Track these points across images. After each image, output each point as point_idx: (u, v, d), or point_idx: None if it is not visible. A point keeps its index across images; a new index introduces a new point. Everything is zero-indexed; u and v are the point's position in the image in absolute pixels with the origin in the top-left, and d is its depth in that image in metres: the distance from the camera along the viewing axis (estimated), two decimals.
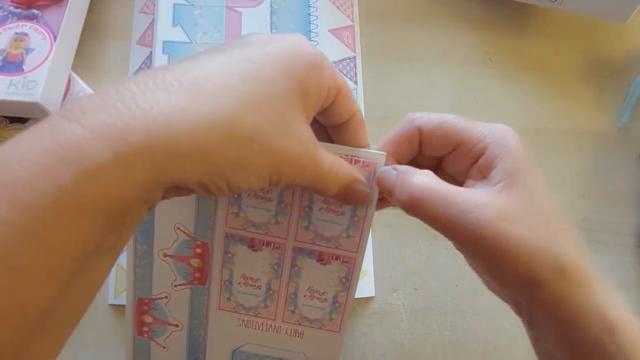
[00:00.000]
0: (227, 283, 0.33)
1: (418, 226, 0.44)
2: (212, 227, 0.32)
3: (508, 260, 0.25)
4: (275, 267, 0.32)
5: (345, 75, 0.47)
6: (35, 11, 0.43)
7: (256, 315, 0.34)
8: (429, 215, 0.26)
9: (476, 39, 0.50)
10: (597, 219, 0.45)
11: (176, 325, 0.35)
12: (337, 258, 0.32)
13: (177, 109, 0.21)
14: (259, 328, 0.34)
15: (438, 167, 0.31)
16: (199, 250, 0.33)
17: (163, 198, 0.23)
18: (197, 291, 0.34)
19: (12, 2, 0.44)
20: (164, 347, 0.36)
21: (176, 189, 0.23)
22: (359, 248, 0.31)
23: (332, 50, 0.47)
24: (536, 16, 0.52)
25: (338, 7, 0.49)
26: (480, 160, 0.28)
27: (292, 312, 0.33)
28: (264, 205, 0.31)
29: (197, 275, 0.34)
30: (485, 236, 0.25)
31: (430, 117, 0.30)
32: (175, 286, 0.34)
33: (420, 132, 0.30)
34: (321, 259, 0.32)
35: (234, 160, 0.22)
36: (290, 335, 0.34)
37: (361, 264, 0.32)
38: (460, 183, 0.29)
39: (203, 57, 0.24)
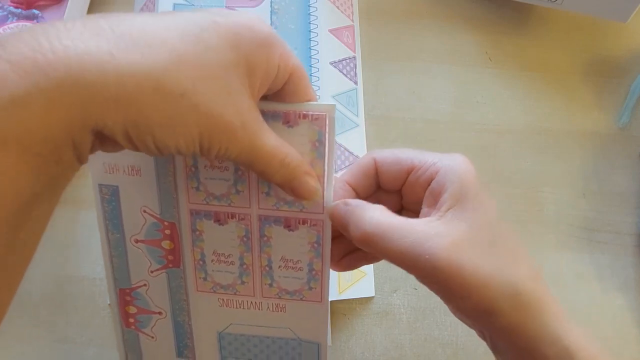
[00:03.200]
0: (200, 262, 0.33)
1: None
2: (176, 205, 0.32)
3: (462, 290, 0.25)
4: (244, 239, 0.32)
5: (345, 75, 0.47)
6: (35, 11, 0.43)
7: (235, 294, 0.33)
8: (383, 250, 0.26)
9: (476, 39, 0.50)
10: (597, 219, 0.45)
11: (160, 313, 0.35)
12: (304, 222, 0.31)
13: (104, 52, 0.20)
14: (240, 307, 0.34)
15: (403, 206, 0.31)
16: (167, 232, 0.33)
17: (92, 150, 0.22)
18: (173, 274, 0.34)
19: (12, 2, 0.44)
20: (152, 337, 0.36)
21: (103, 140, 0.22)
22: (325, 209, 0.30)
23: (332, 50, 0.47)
24: (536, 16, 0.52)
25: (338, 7, 0.49)
26: (432, 185, 0.28)
27: (270, 285, 0.33)
28: (221, 175, 0.30)
29: (170, 257, 0.33)
30: (438, 267, 0.25)
31: (384, 149, 0.30)
32: (152, 272, 0.34)
33: (375, 162, 0.30)
34: (288, 224, 0.31)
35: (161, 115, 0.22)
36: (273, 311, 0.34)
37: (330, 226, 0.31)
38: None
39: (147, 14, 0.23)
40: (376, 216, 0.27)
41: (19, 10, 0.43)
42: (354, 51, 0.49)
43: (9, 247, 0.21)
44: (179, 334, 0.35)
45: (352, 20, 0.50)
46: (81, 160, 0.22)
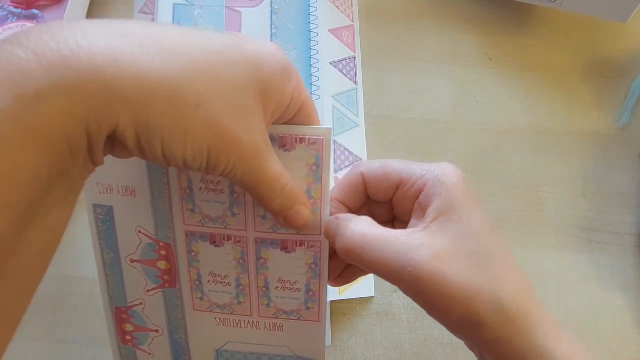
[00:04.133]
0: (197, 283, 0.33)
1: None
2: (171, 226, 0.32)
3: (446, 302, 0.25)
4: (241, 261, 0.32)
5: (345, 75, 0.47)
6: (35, 11, 0.43)
7: (232, 313, 0.33)
8: (365, 261, 0.26)
9: (476, 39, 0.50)
10: (597, 219, 0.45)
11: (156, 331, 0.35)
12: (301, 244, 0.31)
13: (127, 52, 0.21)
14: (237, 326, 0.34)
15: (395, 216, 0.31)
16: (163, 252, 0.33)
17: (105, 154, 0.22)
18: (170, 294, 0.34)
19: (12, 2, 0.44)
20: (150, 354, 0.36)
21: (114, 143, 0.22)
22: (322, 231, 0.30)
23: (332, 50, 0.47)
24: (536, 16, 0.52)
25: (338, 7, 0.49)
26: (420, 197, 0.28)
27: (267, 305, 0.33)
28: (217, 197, 0.30)
29: (167, 277, 0.33)
30: (422, 278, 0.24)
31: (372, 162, 0.30)
32: (148, 291, 0.34)
33: (363, 176, 0.30)
34: (285, 247, 0.31)
35: (173, 123, 0.21)
36: (270, 330, 0.34)
37: (327, 247, 0.30)
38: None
39: (173, 25, 0.24)
40: (359, 228, 0.27)
41: (19, 10, 0.43)
42: (354, 51, 0.49)
43: (23, 238, 0.21)
44: (176, 352, 0.35)
45: (352, 20, 0.50)
46: (95, 161, 0.22)
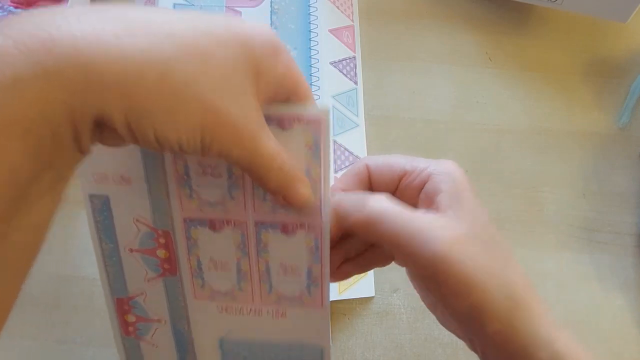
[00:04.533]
0: (197, 270, 0.32)
1: None
2: (169, 214, 0.31)
3: (460, 287, 0.25)
4: (241, 245, 0.31)
5: (345, 75, 0.47)
6: None
7: (234, 300, 0.33)
8: (385, 235, 0.26)
9: (476, 39, 0.50)
10: (597, 219, 0.45)
11: (159, 321, 0.35)
12: (301, 227, 0.30)
13: (111, 35, 0.20)
14: (239, 313, 0.33)
15: None
16: (162, 240, 0.32)
17: (93, 140, 0.21)
18: (170, 282, 0.33)
19: (12, 2, 0.44)
20: (153, 345, 0.35)
21: (102, 130, 0.21)
22: (322, 212, 0.29)
23: (332, 50, 0.47)
24: (536, 16, 0.52)
25: (338, 7, 0.49)
26: (426, 186, 0.28)
27: (269, 291, 0.32)
28: (215, 182, 0.29)
29: (166, 266, 0.33)
30: (439, 258, 0.25)
31: (376, 156, 0.31)
32: (148, 280, 0.33)
33: (367, 168, 0.30)
34: (285, 229, 0.30)
35: (164, 104, 0.21)
36: (273, 317, 0.33)
37: (328, 231, 0.30)
38: None
39: (158, 7, 0.23)
40: (379, 201, 0.27)
41: (20, 11, 0.43)
42: (354, 51, 0.49)
43: (6, 235, 0.20)
44: (180, 342, 0.35)
45: (352, 20, 0.50)
46: (82, 149, 0.21)
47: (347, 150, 0.44)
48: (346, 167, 0.44)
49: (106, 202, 0.31)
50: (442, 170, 0.28)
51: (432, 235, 0.25)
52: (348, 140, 0.45)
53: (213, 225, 0.31)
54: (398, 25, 0.51)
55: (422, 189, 0.28)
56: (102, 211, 0.32)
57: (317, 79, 0.45)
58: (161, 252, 0.33)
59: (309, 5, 0.47)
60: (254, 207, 0.30)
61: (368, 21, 0.50)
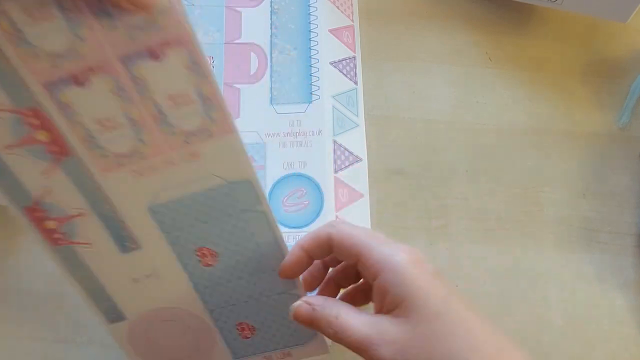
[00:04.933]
0: (89, 139, 0.28)
1: (418, 227, 0.44)
2: (23, 85, 0.27)
3: None
4: (118, 91, 0.27)
5: (345, 75, 0.47)
6: None
7: (142, 158, 0.29)
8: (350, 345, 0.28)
9: (476, 39, 0.50)
10: (597, 219, 0.45)
11: (80, 215, 0.31)
12: (167, 45, 0.26)
13: None
14: (155, 172, 0.30)
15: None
16: (35, 121, 0.28)
17: None
18: (70, 166, 0.29)
19: None
20: (87, 243, 0.32)
21: None
22: (183, 19, 0.26)
23: (332, 50, 0.47)
24: (536, 16, 0.52)
25: (338, 7, 0.49)
26: (377, 282, 0.29)
27: (173, 133, 0.29)
28: (51, 26, 0.25)
29: (55, 148, 0.29)
30: None
31: (345, 227, 0.31)
32: (45, 173, 0.29)
33: (330, 238, 0.31)
34: (153, 55, 0.27)
35: None
36: (189, 161, 0.30)
37: (198, 42, 0.27)
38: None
39: None
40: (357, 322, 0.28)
41: None
42: (354, 51, 0.49)
43: None
44: (111, 228, 0.31)
45: (352, 20, 0.50)
46: None
47: (347, 150, 0.44)
48: (346, 167, 0.44)
49: None
50: (391, 269, 0.28)
51: (378, 348, 0.27)
52: (348, 140, 0.45)
53: (77, 80, 0.27)
54: (398, 25, 0.51)
55: (376, 278, 0.29)
56: None
57: (317, 79, 0.45)
58: (41, 135, 0.28)
59: (309, 5, 0.47)
60: (109, 41, 0.26)
61: (368, 21, 0.50)
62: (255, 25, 0.47)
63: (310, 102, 0.45)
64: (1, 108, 0.27)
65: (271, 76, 0.45)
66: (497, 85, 0.49)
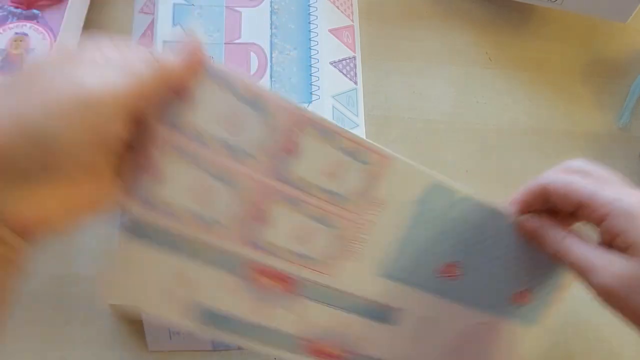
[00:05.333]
0: (299, 258, 0.30)
1: None
2: (233, 254, 0.29)
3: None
4: (292, 204, 0.29)
5: (345, 75, 0.47)
6: (35, 11, 0.43)
7: (347, 240, 0.31)
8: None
9: (476, 39, 0.50)
10: None
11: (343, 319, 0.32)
12: (291, 136, 0.28)
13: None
14: (364, 242, 0.31)
15: None
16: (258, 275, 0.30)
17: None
18: (307, 292, 0.31)
19: (12, 2, 0.44)
20: (365, 338, 0.32)
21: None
22: (291, 105, 0.27)
23: (332, 50, 0.47)
24: (536, 16, 0.52)
25: (338, 7, 0.49)
26: (605, 223, 0.29)
27: (350, 201, 0.30)
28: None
29: (286, 285, 0.31)
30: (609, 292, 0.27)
31: (557, 177, 0.31)
32: (297, 312, 0.31)
33: (545, 189, 0.31)
34: (289, 151, 0.28)
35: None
36: (381, 209, 0.31)
37: (313, 113, 0.28)
38: None
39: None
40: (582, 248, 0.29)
41: (19, 10, 0.43)
42: (354, 51, 0.49)
43: None
44: (369, 314, 0.32)
45: (352, 20, 0.50)
46: None
47: None
48: None
49: None
50: (622, 211, 0.28)
51: (603, 274, 0.28)
52: None
53: (261, 220, 0.29)
54: (398, 25, 0.51)
55: (602, 222, 0.29)
56: None
57: (317, 79, 0.45)
58: (267, 281, 0.30)
59: (309, 5, 0.47)
60: (258, 172, 0.28)
61: (368, 21, 0.50)
62: (255, 25, 0.47)
63: (310, 102, 0.45)
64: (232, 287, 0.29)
65: (271, 76, 0.45)
66: (497, 85, 0.49)
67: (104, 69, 0.24)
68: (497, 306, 0.34)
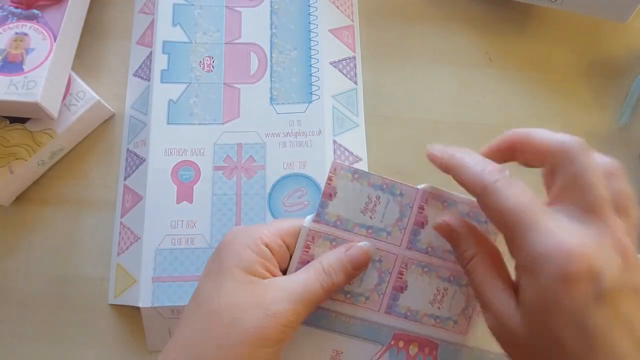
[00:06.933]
0: (437, 320, 0.33)
1: None
2: (380, 327, 0.33)
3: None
4: (425, 269, 0.33)
5: (345, 75, 0.47)
6: (35, 11, 0.43)
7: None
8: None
9: (476, 39, 0.50)
10: None
11: None
12: (421, 208, 0.32)
13: None
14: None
15: None
16: (401, 343, 0.33)
17: None
18: (443, 353, 0.34)
19: (12, 2, 0.44)
20: None
21: None
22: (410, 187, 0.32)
23: (332, 50, 0.47)
24: (536, 16, 0.52)
25: (338, 7, 0.49)
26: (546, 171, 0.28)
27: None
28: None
29: (426, 349, 0.33)
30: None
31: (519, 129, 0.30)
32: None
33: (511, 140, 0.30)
34: (420, 224, 0.33)
35: None
36: None
37: (438, 189, 0.32)
38: None
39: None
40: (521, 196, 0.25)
41: (19, 11, 0.43)
42: (354, 51, 0.49)
43: None
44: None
45: (352, 20, 0.50)
46: None
47: (347, 150, 0.44)
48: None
49: None
50: (556, 152, 0.26)
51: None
52: (348, 140, 0.45)
53: (399, 289, 0.33)
54: (398, 25, 0.51)
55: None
56: None
57: (317, 79, 0.45)
58: (413, 348, 0.33)
59: (309, 5, 0.47)
60: (392, 242, 0.33)
61: (368, 21, 0.50)
62: (255, 25, 0.47)
63: (310, 102, 0.45)
64: (377, 358, 0.33)
65: (271, 76, 0.45)
66: (497, 85, 0.49)
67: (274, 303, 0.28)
68: None
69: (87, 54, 0.48)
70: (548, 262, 0.23)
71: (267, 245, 0.31)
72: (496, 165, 0.27)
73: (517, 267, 0.26)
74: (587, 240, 0.23)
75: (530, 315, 0.24)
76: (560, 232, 0.23)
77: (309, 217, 0.32)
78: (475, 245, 0.29)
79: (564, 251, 0.22)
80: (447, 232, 0.30)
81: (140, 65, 0.47)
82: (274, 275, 0.30)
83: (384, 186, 0.32)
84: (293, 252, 0.32)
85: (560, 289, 0.22)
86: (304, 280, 0.30)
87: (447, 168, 0.28)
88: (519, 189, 0.25)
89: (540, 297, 0.23)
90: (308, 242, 0.32)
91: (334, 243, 0.32)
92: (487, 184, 0.26)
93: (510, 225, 0.25)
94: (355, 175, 0.32)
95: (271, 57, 0.46)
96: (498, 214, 0.25)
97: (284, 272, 0.32)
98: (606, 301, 0.22)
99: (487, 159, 0.28)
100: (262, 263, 0.30)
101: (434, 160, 0.29)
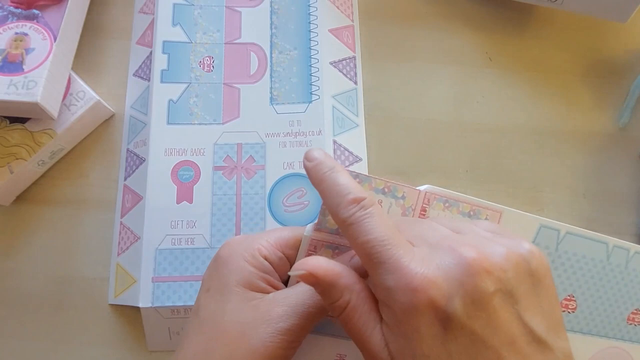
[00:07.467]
0: None
1: None
2: None
3: None
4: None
5: (345, 75, 0.47)
6: (35, 11, 0.43)
7: None
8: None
9: (476, 39, 0.50)
10: (597, 219, 0.45)
11: None
12: None
13: None
14: None
15: None
16: None
17: None
18: None
19: (12, 2, 0.44)
20: None
21: None
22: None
23: (332, 50, 0.47)
24: (536, 16, 0.52)
25: (338, 7, 0.49)
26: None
27: None
28: None
29: None
30: None
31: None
32: None
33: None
34: None
35: None
36: None
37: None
38: None
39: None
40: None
41: (19, 10, 0.43)
42: (354, 51, 0.49)
43: None
44: None
45: (352, 20, 0.50)
46: None
47: (347, 150, 0.44)
48: (346, 167, 0.44)
49: None
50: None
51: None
52: (348, 140, 0.45)
53: None
54: (398, 25, 0.51)
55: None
56: None
57: (317, 79, 0.45)
58: None
59: (309, 5, 0.47)
60: None
61: (368, 21, 0.50)
62: (255, 25, 0.47)
63: (310, 102, 0.45)
64: None
65: (271, 76, 0.45)
66: (497, 85, 0.49)
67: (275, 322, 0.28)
68: (616, 330, 0.36)
69: (87, 54, 0.48)
70: (398, 296, 0.24)
71: (266, 258, 0.30)
72: (357, 194, 0.27)
73: (378, 301, 0.26)
74: (434, 271, 0.24)
75: (395, 350, 0.24)
76: (410, 265, 0.24)
77: (310, 226, 0.31)
78: (348, 287, 0.26)
79: (407, 285, 0.23)
80: (312, 282, 0.26)
81: (140, 65, 0.47)
82: (276, 288, 0.30)
83: (386, 190, 0.32)
84: (294, 262, 0.31)
85: (412, 321, 0.23)
86: (309, 293, 0.29)
87: (316, 187, 0.29)
88: (374, 222, 0.26)
89: (399, 329, 0.24)
90: (310, 252, 0.31)
91: (336, 251, 0.31)
92: (344, 219, 0.26)
93: (365, 260, 0.25)
94: (357, 180, 0.31)
95: (271, 57, 0.46)
96: (355, 248, 0.26)
97: (286, 283, 0.31)
98: (454, 329, 0.23)
99: (351, 183, 0.28)
100: (262, 277, 0.30)
101: (307, 172, 0.29)
